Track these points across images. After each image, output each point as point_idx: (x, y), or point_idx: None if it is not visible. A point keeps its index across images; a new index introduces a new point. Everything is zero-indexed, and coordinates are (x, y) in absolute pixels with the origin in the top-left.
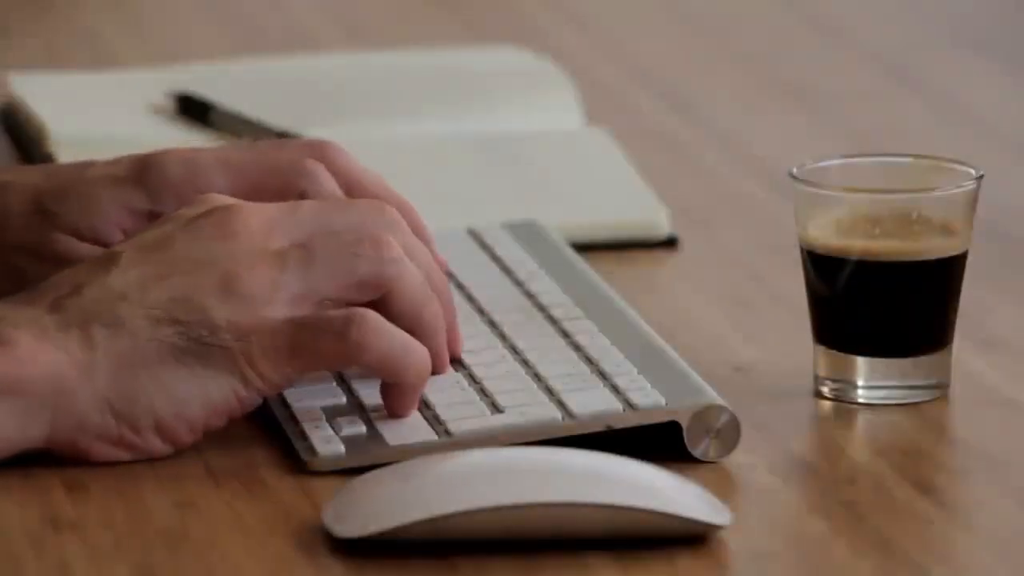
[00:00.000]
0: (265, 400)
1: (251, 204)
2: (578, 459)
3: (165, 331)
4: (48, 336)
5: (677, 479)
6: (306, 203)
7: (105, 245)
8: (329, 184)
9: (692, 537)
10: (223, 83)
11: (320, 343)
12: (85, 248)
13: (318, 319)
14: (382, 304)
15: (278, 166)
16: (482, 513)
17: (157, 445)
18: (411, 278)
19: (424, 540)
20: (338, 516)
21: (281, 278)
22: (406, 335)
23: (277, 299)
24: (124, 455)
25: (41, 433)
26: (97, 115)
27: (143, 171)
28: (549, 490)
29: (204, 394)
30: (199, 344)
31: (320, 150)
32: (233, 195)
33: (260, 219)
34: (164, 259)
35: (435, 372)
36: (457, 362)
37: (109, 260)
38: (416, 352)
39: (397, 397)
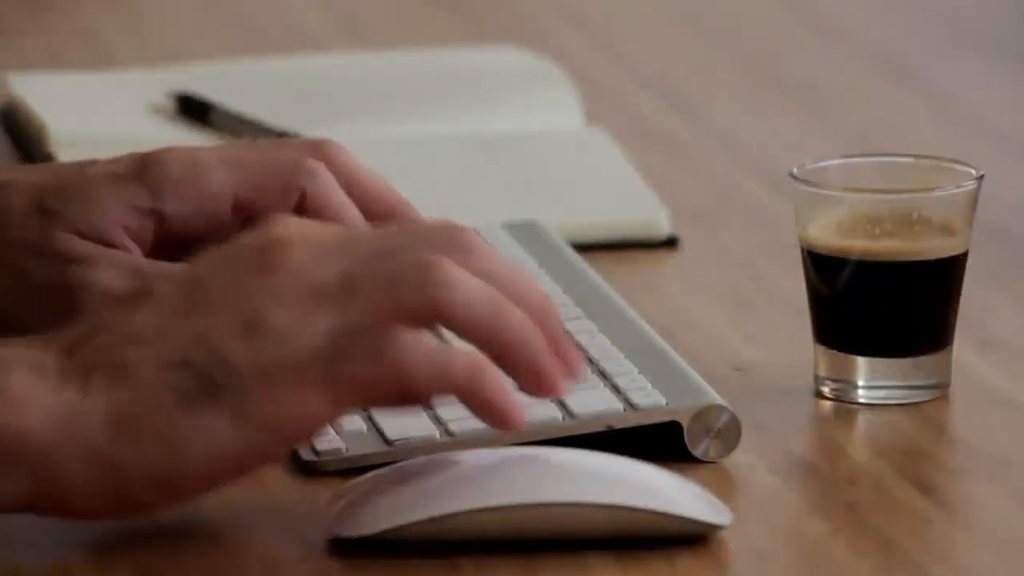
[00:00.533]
0: None
1: (308, 233)
2: (578, 459)
3: (173, 376)
4: (43, 384)
5: (677, 479)
6: (367, 231)
7: (107, 243)
8: (331, 184)
9: (692, 537)
10: (223, 83)
11: (358, 375)
12: (86, 246)
13: (347, 346)
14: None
15: (279, 165)
16: (482, 513)
17: (155, 502)
18: (466, 299)
19: (424, 540)
20: (339, 516)
21: (315, 313)
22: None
23: (308, 336)
24: (114, 513)
25: (19, 489)
26: (97, 115)
27: (144, 168)
28: (548, 490)
29: (212, 445)
30: (211, 388)
31: (321, 148)
32: (235, 194)
33: (310, 252)
34: (194, 294)
35: (548, 395)
36: None
37: (140, 297)
38: (461, 355)
39: (484, 408)
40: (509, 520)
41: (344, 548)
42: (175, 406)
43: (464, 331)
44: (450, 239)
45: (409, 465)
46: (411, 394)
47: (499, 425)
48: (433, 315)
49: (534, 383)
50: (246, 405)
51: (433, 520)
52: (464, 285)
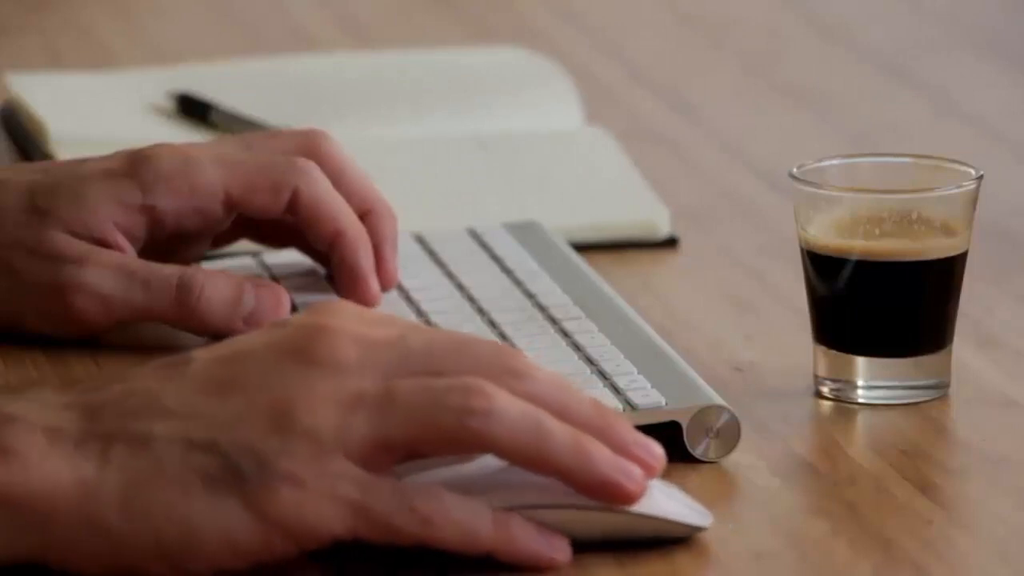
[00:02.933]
0: None
1: (359, 329)
2: None
3: (198, 458)
4: (59, 448)
5: (659, 482)
6: (419, 336)
7: (100, 241)
8: (323, 183)
9: (679, 539)
10: (223, 83)
11: (385, 513)
12: (79, 246)
13: (381, 483)
14: None
15: (272, 164)
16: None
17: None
18: (507, 429)
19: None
20: None
21: (347, 421)
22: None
23: (339, 445)
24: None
25: (28, 549)
26: (97, 115)
27: (135, 165)
28: (541, 493)
29: (226, 532)
30: (235, 476)
31: (312, 139)
32: (226, 191)
33: (357, 350)
34: (231, 372)
35: (624, 502)
36: None
37: (178, 366)
38: (489, 515)
39: (517, 560)
40: None
41: (344, 548)
42: (195, 488)
43: (511, 459)
44: (500, 360)
45: (403, 468)
46: (433, 547)
47: (537, 570)
48: (473, 443)
49: (602, 495)
50: (268, 501)
51: None
52: (505, 413)
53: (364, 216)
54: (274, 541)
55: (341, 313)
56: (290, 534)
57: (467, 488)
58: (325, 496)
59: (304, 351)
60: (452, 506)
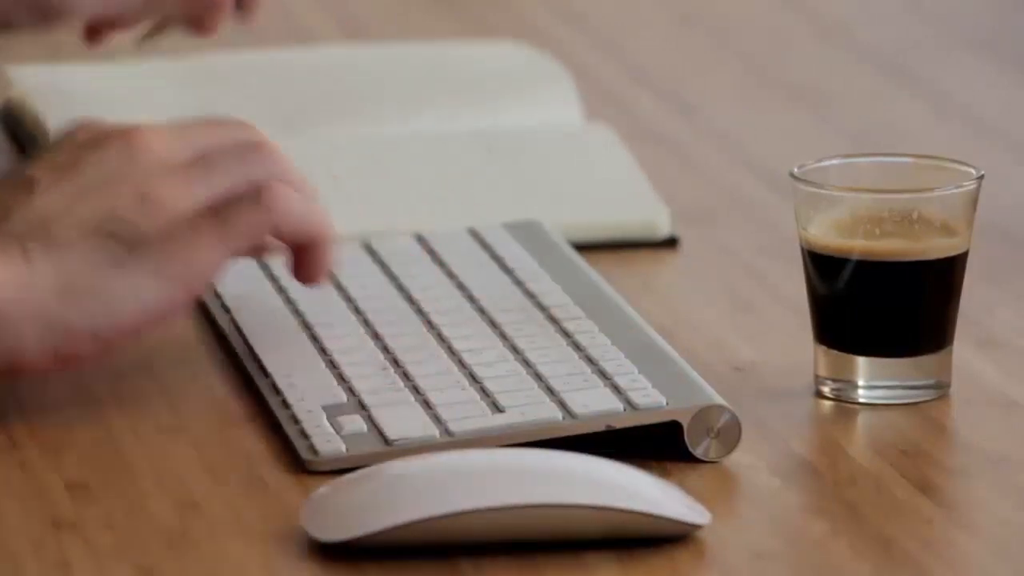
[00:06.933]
0: (265, 400)
1: (148, 126)
2: (567, 461)
3: (99, 242)
4: None
5: (659, 481)
6: (190, 124)
7: None
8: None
9: (674, 537)
10: (222, 78)
11: (241, 218)
12: None
13: (232, 198)
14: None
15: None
16: (474, 515)
17: (92, 354)
18: (287, 166)
19: (421, 541)
20: (337, 517)
21: (189, 184)
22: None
23: (192, 198)
24: (57, 367)
25: None
26: (97, 111)
27: None
28: (538, 492)
29: (139, 300)
30: (132, 250)
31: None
32: None
33: (159, 139)
34: (79, 181)
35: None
36: (458, 362)
37: (27, 184)
38: (322, 210)
39: (314, 259)
40: (498, 521)
41: (344, 548)
42: (109, 267)
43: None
44: (245, 131)
45: (403, 465)
46: (284, 232)
47: (311, 279)
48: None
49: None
50: (161, 263)
51: (428, 521)
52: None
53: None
54: (176, 295)
55: (109, 122)
56: (186, 283)
57: (471, 483)
58: (196, 237)
59: (128, 148)
60: (292, 193)
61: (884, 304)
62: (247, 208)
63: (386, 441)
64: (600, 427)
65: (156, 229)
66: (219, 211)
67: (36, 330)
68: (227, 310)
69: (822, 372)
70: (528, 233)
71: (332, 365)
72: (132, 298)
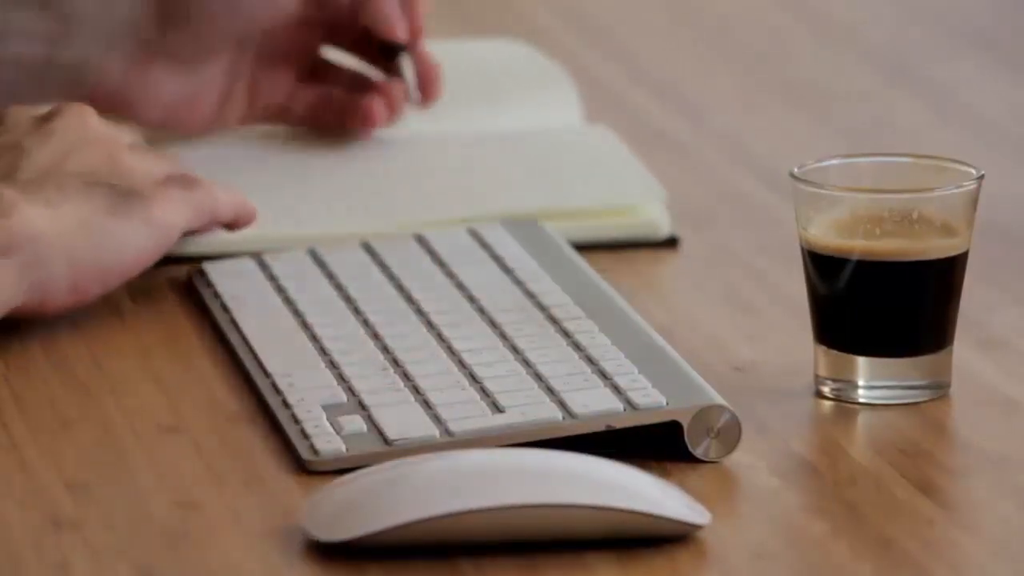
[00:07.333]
0: (265, 400)
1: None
2: (567, 462)
3: (100, 192)
4: (25, 199)
5: (659, 481)
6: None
7: None
8: None
9: (674, 536)
10: None
11: (196, 191)
12: None
13: (187, 177)
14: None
15: None
16: (474, 515)
17: (94, 293)
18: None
19: (420, 541)
20: (336, 517)
21: (145, 160)
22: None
23: (151, 173)
24: (72, 304)
25: (11, 282)
26: None
27: None
28: (540, 492)
29: (135, 241)
30: (125, 199)
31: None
32: None
33: (99, 119)
34: (55, 145)
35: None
36: (458, 362)
37: (16, 147)
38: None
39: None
40: (498, 521)
41: (344, 548)
42: (111, 212)
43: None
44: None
45: (403, 465)
46: (218, 212)
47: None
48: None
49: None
50: (147, 212)
51: (428, 521)
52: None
53: None
54: (160, 243)
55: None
56: (167, 232)
57: (471, 483)
58: (165, 195)
59: (73, 125)
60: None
61: (884, 304)
62: (197, 185)
63: (386, 441)
64: (600, 427)
65: (143, 180)
66: (178, 181)
67: (62, 267)
68: (227, 310)
69: (822, 372)
70: (528, 233)
71: (332, 365)
72: (132, 239)
